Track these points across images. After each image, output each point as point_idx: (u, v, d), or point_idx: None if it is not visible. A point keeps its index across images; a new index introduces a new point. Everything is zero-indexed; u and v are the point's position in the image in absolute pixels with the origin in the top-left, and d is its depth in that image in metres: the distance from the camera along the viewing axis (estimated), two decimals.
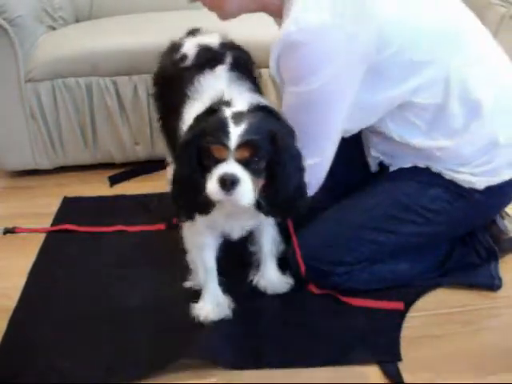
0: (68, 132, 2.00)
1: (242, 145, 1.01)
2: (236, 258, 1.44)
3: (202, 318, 1.28)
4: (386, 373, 1.15)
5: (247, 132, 1.01)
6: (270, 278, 1.38)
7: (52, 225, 1.73)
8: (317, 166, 1.23)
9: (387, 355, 1.19)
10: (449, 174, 1.28)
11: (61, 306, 1.37)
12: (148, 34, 2.00)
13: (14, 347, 1.24)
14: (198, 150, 1.06)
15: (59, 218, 1.77)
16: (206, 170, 1.05)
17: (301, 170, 1.11)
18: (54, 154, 2.04)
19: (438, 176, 1.28)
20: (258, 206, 1.08)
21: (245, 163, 1.02)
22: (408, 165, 1.33)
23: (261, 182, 1.06)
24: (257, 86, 1.39)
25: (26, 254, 1.57)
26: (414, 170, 1.32)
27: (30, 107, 1.94)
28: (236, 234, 1.30)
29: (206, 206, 1.10)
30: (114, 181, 1.97)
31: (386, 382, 1.13)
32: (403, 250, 1.36)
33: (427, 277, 1.40)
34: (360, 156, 1.46)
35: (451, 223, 1.33)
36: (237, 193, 1.01)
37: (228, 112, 1.05)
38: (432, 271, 1.41)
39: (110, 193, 1.90)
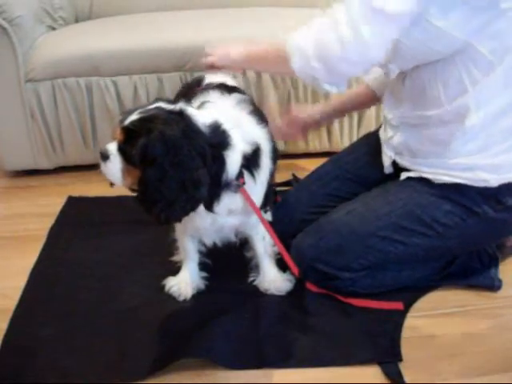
0: (68, 132, 2.00)
1: (121, 128, 1.10)
2: (236, 258, 1.44)
3: (172, 290, 1.38)
4: (386, 373, 1.15)
5: (133, 121, 1.09)
6: (271, 278, 1.38)
7: (55, 224, 1.73)
8: (383, 15, 1.04)
9: (388, 355, 1.19)
10: (461, 175, 1.23)
11: (61, 305, 1.37)
12: (148, 34, 2.00)
13: (14, 347, 1.24)
14: None
15: (63, 217, 1.77)
16: None
17: (163, 183, 1.07)
18: (54, 154, 2.04)
19: (454, 190, 1.24)
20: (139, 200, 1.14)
21: (121, 147, 1.11)
22: (420, 168, 1.29)
23: (135, 172, 1.11)
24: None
25: (26, 254, 1.57)
26: (430, 181, 1.28)
27: (29, 107, 1.95)
28: (209, 240, 1.34)
29: None
30: None
31: (387, 382, 1.13)
32: (410, 259, 1.35)
33: (428, 280, 1.40)
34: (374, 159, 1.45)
35: (462, 239, 1.31)
36: (106, 166, 1.13)
37: (152, 106, 1.12)
38: (433, 275, 1.41)
39: (111, 193, 1.90)
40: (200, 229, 1.30)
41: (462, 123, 1.19)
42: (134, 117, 1.09)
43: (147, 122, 1.08)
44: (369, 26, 1.05)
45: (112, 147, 1.12)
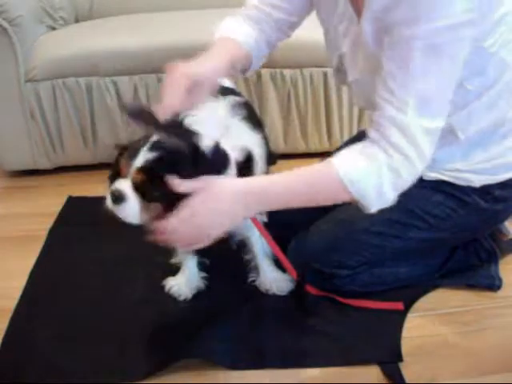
0: (68, 132, 2.00)
1: (139, 168, 1.01)
2: (236, 258, 1.44)
3: (172, 290, 1.38)
4: (386, 373, 1.15)
5: (152, 158, 1.01)
6: (272, 278, 1.39)
7: (55, 224, 1.73)
8: (437, 132, 1.03)
9: (388, 356, 1.19)
10: (448, 173, 1.26)
11: (61, 305, 1.37)
12: (148, 34, 2.00)
13: (14, 347, 1.24)
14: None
15: (63, 217, 1.77)
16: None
17: None
18: (54, 154, 2.04)
19: (443, 182, 1.26)
20: None
21: (138, 185, 1.03)
22: None
23: (155, 206, 1.05)
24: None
25: (26, 254, 1.57)
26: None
27: (29, 107, 1.94)
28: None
29: None
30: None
31: (387, 382, 1.14)
32: (405, 254, 1.35)
33: (427, 278, 1.40)
34: None
35: (455, 230, 1.32)
36: (122, 209, 1.04)
37: (152, 138, 1.05)
38: (432, 273, 1.41)
39: None
40: None
41: (447, 138, 1.20)
42: (148, 155, 1.02)
43: (168, 161, 1.02)
44: (431, 149, 1.04)
45: (125, 187, 1.03)
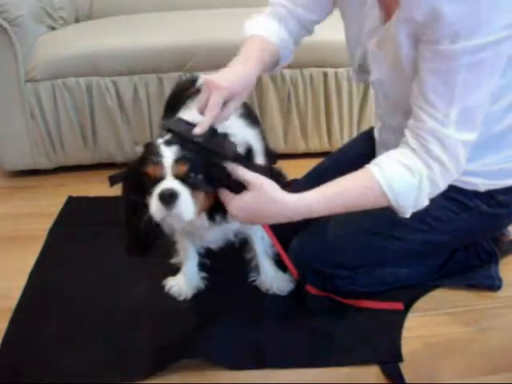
0: (68, 132, 2.00)
1: (176, 160, 1.03)
2: (236, 258, 1.44)
3: (173, 290, 1.39)
4: (386, 373, 1.15)
5: (179, 150, 1.04)
6: (272, 277, 1.39)
7: (54, 224, 1.73)
8: (469, 145, 1.06)
9: (388, 355, 1.19)
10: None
11: (61, 305, 1.37)
12: (148, 33, 2.00)
13: (14, 347, 1.24)
14: (137, 180, 1.08)
15: (63, 217, 1.77)
16: (147, 196, 1.06)
17: None
18: (54, 154, 2.04)
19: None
20: (211, 217, 1.12)
21: (182, 178, 1.03)
22: None
23: (202, 195, 1.07)
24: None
25: (26, 254, 1.57)
26: None
27: (29, 107, 1.94)
28: (214, 244, 1.34)
29: (145, 242, 1.15)
30: (113, 181, 1.97)
31: (387, 382, 1.14)
32: (406, 255, 1.35)
33: (427, 278, 1.41)
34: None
35: (457, 233, 1.31)
36: (178, 207, 1.01)
37: (160, 140, 1.08)
38: (432, 273, 1.41)
39: (110, 193, 1.89)
40: (208, 240, 1.32)
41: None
42: (174, 147, 1.04)
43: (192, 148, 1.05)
44: (465, 160, 1.07)
45: (173, 184, 1.02)
